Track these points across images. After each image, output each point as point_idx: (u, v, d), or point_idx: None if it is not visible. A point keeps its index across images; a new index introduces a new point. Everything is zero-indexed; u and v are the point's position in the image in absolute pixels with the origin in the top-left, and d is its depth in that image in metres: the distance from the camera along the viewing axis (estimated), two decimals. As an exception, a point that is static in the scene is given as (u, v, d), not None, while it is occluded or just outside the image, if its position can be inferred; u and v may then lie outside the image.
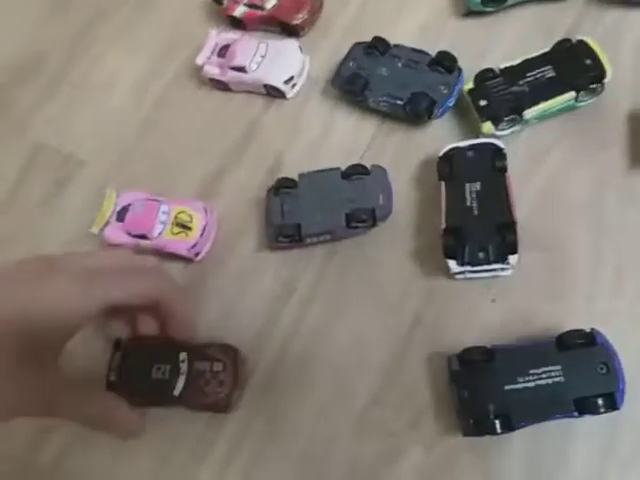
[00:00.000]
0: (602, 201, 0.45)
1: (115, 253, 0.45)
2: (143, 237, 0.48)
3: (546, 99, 0.45)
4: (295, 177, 0.48)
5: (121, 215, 0.49)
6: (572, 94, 0.45)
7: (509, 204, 0.42)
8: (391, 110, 0.50)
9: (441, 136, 0.49)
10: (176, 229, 0.48)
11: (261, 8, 0.57)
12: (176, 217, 0.48)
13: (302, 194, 0.47)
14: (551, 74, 0.46)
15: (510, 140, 0.47)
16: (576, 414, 0.37)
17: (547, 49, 0.47)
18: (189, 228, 0.48)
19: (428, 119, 0.49)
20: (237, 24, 0.59)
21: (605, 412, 0.36)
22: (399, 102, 0.48)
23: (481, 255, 0.41)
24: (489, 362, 0.39)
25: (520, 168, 0.46)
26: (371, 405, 0.42)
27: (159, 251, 0.48)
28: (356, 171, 0.47)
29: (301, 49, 0.55)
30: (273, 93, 0.55)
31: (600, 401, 0.36)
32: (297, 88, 0.55)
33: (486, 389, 0.38)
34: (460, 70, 0.48)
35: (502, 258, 0.41)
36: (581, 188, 0.45)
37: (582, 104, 0.46)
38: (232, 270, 0.48)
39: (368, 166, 0.47)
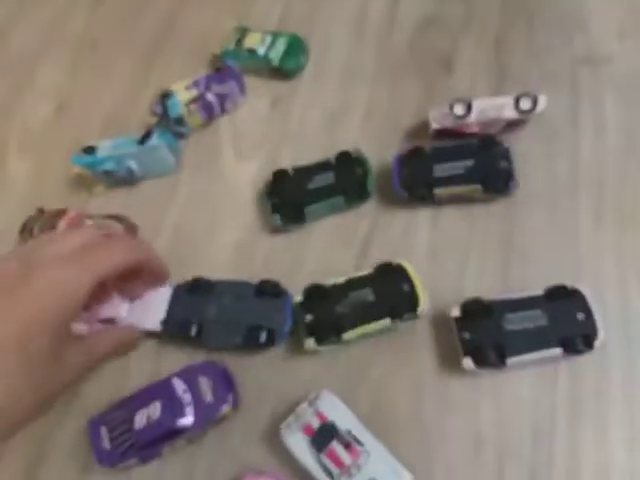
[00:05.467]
0: (422, 410, 0.47)
1: (83, 232, 0.45)
2: None
3: (364, 323, 0.47)
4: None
5: None
6: (388, 321, 0.47)
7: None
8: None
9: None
10: None
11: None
12: None
13: None
14: (371, 297, 0.48)
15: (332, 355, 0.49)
16: None
17: (370, 270, 0.49)
18: None
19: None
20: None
21: None
22: (237, 339, 0.49)
23: None
24: None
25: (344, 384, 0.48)
26: None
27: None
28: None
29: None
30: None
31: None
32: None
33: None
34: (286, 294, 0.50)
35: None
36: (402, 402, 0.47)
37: (399, 326, 0.48)
38: None
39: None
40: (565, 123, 0.56)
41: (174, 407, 0.46)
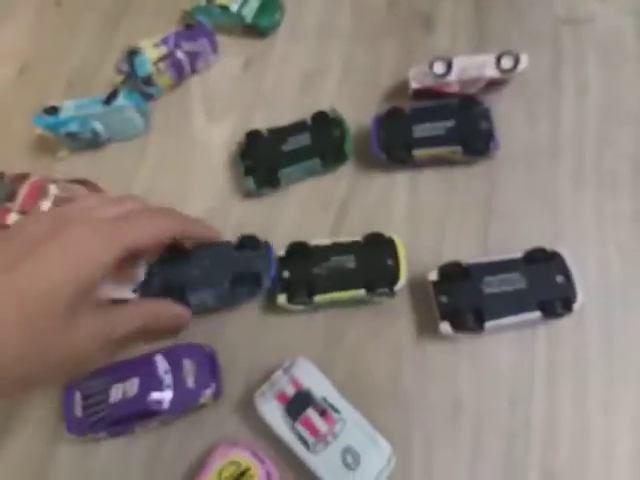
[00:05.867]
0: (400, 376, 0.46)
1: (124, 201, 0.44)
2: None
3: (338, 289, 0.46)
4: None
5: None
6: (362, 292, 0.45)
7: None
8: (221, 303, 0.48)
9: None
10: None
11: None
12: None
13: None
14: (352, 265, 0.46)
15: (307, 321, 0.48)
16: None
17: (358, 238, 0.48)
18: None
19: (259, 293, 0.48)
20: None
21: None
22: (221, 291, 0.46)
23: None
24: None
25: (320, 351, 0.47)
26: None
27: None
28: None
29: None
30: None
31: None
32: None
33: None
34: (266, 242, 0.48)
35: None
36: (379, 368, 0.46)
37: (374, 299, 0.47)
38: None
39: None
40: (546, 83, 0.55)
41: (152, 386, 0.44)
